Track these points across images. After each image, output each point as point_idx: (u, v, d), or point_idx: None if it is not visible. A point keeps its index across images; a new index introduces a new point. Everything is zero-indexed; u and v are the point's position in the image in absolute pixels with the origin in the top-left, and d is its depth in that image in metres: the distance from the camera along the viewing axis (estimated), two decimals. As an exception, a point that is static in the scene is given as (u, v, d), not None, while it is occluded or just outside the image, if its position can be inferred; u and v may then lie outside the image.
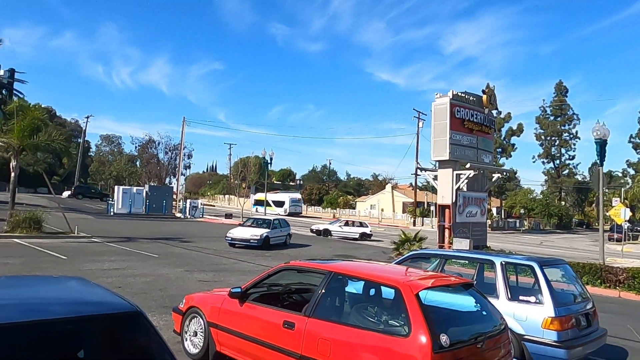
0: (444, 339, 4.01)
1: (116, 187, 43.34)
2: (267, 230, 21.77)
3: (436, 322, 4.17)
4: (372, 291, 5.27)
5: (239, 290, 5.61)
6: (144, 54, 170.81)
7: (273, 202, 58.62)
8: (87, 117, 71.67)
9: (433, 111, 20.03)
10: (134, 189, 41.99)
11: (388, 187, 74.22)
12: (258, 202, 57.93)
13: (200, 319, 6.02)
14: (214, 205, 71.39)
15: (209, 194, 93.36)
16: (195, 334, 6.09)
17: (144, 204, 39.86)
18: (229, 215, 42.80)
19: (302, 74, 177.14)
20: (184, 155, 58.58)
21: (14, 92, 32.81)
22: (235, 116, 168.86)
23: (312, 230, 33.33)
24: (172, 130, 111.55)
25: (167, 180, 63.14)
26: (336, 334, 4.49)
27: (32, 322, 2.34)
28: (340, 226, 32.89)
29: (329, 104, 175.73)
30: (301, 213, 61.12)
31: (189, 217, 41.66)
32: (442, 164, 19.83)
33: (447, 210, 19.43)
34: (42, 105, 44.81)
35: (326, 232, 32.21)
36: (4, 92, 32.24)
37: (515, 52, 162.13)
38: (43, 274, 10.89)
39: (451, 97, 19.52)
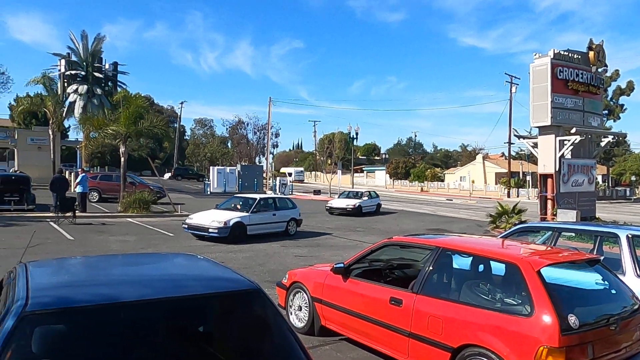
0: (572, 319, 3.68)
1: (211, 167, 45.80)
2: (243, 214, 14.63)
3: (562, 302, 3.84)
4: (481, 267, 4.98)
5: (342, 265, 5.61)
6: (227, 38, 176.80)
7: (287, 173, 72.16)
8: (182, 103, 76.63)
9: (531, 73, 18.52)
10: (227, 169, 44.07)
11: (479, 157, 70.80)
12: (279, 174, 72.63)
13: (304, 294, 6.12)
14: (301, 182, 73.13)
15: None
16: (300, 308, 6.22)
17: (237, 182, 41.77)
18: (317, 192, 43.51)
19: (383, 46, 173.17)
20: (271, 134, 60.33)
21: (118, 83, 35.53)
22: (318, 93, 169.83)
23: (328, 209, 25.49)
24: (258, 111, 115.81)
25: (257, 159, 65.81)
26: (448, 312, 4.32)
27: (174, 298, 2.46)
28: (365, 200, 26.55)
29: (411, 74, 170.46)
30: (303, 181, 74.47)
31: (279, 194, 42.96)
32: (543, 129, 18.39)
33: (549, 180, 18.10)
34: (142, 95, 48.44)
35: (359, 210, 25.13)
36: (109, 84, 34.97)
37: (620, 1, 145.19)
38: (156, 251, 11.80)
39: (552, 56, 17.90)
